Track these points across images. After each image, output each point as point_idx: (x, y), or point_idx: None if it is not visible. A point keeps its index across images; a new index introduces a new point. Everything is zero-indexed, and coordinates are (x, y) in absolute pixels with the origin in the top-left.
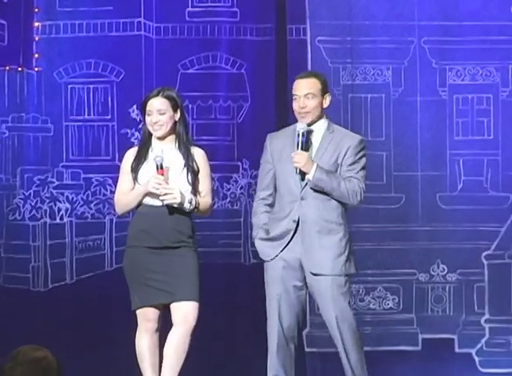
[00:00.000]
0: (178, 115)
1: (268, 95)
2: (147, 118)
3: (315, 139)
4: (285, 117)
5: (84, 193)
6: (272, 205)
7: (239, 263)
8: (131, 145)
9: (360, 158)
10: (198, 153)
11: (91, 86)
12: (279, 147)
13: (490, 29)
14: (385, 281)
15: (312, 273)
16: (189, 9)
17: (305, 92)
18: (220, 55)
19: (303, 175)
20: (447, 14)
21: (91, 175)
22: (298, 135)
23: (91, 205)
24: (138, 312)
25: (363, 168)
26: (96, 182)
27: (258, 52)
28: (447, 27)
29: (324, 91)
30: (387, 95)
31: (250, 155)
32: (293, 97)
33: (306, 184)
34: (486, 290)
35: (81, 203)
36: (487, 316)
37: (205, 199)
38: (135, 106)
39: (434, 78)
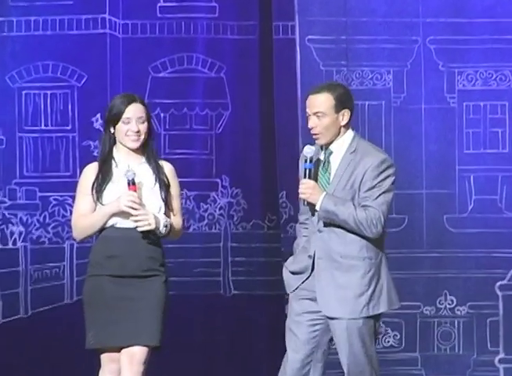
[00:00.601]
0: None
1: (251, 102)
2: (123, 127)
3: (335, 161)
4: (271, 127)
5: (40, 215)
6: None
7: (219, 295)
8: (94, 159)
9: (381, 181)
10: (167, 168)
11: (49, 92)
12: None
13: (505, 27)
14: (385, 315)
15: (328, 317)
16: (161, 3)
17: (314, 110)
18: (196, 56)
19: (312, 206)
20: (456, 10)
21: (48, 194)
22: (306, 160)
23: (49, 228)
24: (101, 352)
25: (385, 193)
26: (55, 202)
27: (240, 53)
28: (456, 24)
29: (340, 107)
30: (388, 102)
31: (231, 171)
32: (306, 114)
33: None
34: (501, 325)
35: (37, 225)
36: (502, 355)
37: (177, 219)
38: (98, 115)
39: (441, 83)
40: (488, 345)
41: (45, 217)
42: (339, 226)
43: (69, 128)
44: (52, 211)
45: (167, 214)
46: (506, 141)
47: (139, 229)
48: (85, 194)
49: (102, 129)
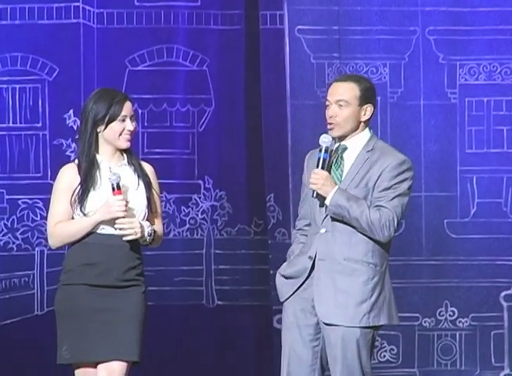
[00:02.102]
0: None
1: (236, 97)
2: (118, 126)
3: (349, 159)
4: (258, 124)
5: (8, 219)
6: None
7: (201, 305)
8: (67, 159)
9: (398, 183)
10: (149, 170)
11: (18, 86)
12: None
13: (511, 16)
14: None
15: (324, 323)
16: None
17: (337, 98)
18: (177, 48)
19: (322, 199)
20: None
21: (17, 197)
22: (320, 150)
23: (17, 234)
24: (75, 367)
25: (400, 196)
26: (24, 205)
27: (224, 44)
28: (458, 13)
29: (364, 100)
30: (384, 97)
31: (215, 172)
32: (326, 103)
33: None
34: (506, 338)
35: (5, 231)
36: (507, 370)
37: (159, 225)
38: (71, 112)
39: (442, 77)
40: (492, 360)
41: (13, 221)
42: (345, 226)
43: (39, 125)
44: (20, 215)
45: (149, 218)
46: None
47: (125, 239)
48: (63, 199)
49: (75, 127)
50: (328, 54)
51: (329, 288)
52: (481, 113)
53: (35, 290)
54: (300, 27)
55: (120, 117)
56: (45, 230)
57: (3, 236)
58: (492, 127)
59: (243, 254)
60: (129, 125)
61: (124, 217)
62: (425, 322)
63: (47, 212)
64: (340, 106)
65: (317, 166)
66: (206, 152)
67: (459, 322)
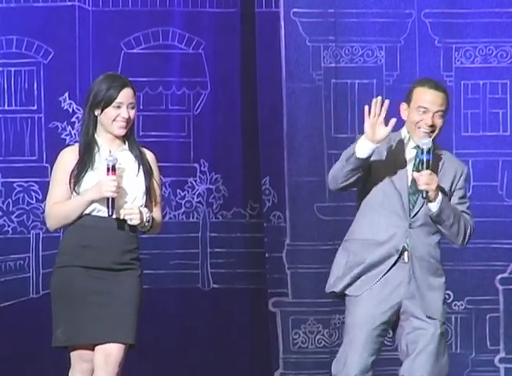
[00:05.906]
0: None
1: (231, 80)
2: (112, 112)
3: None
4: (253, 107)
5: (3, 202)
6: None
7: (197, 288)
8: (63, 142)
9: (467, 191)
10: (150, 157)
11: (13, 69)
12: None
13: None
14: None
15: (427, 316)
16: None
17: (437, 108)
18: (172, 31)
19: (428, 200)
20: None
21: (12, 180)
22: (422, 152)
23: (13, 217)
24: (71, 349)
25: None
26: (19, 189)
27: (220, 27)
28: None
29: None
30: (379, 80)
31: (210, 155)
32: (420, 108)
33: (418, 211)
34: (501, 322)
35: (0, 214)
36: (502, 354)
37: (158, 212)
38: (67, 94)
39: (438, 60)
40: (488, 344)
41: (8, 204)
42: (429, 226)
43: (34, 108)
44: (16, 198)
45: (148, 205)
46: (508, 123)
47: (131, 223)
48: (62, 181)
49: (70, 110)
50: (324, 37)
51: (423, 284)
52: (476, 97)
53: (30, 273)
54: (295, 9)
55: (114, 104)
56: (41, 213)
57: None
58: (488, 110)
59: (239, 238)
60: (124, 112)
61: (113, 198)
62: None
63: (42, 195)
64: (439, 116)
65: (421, 167)
66: (201, 135)
67: (455, 305)
